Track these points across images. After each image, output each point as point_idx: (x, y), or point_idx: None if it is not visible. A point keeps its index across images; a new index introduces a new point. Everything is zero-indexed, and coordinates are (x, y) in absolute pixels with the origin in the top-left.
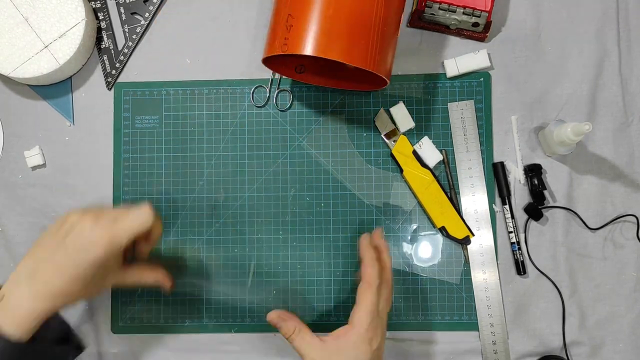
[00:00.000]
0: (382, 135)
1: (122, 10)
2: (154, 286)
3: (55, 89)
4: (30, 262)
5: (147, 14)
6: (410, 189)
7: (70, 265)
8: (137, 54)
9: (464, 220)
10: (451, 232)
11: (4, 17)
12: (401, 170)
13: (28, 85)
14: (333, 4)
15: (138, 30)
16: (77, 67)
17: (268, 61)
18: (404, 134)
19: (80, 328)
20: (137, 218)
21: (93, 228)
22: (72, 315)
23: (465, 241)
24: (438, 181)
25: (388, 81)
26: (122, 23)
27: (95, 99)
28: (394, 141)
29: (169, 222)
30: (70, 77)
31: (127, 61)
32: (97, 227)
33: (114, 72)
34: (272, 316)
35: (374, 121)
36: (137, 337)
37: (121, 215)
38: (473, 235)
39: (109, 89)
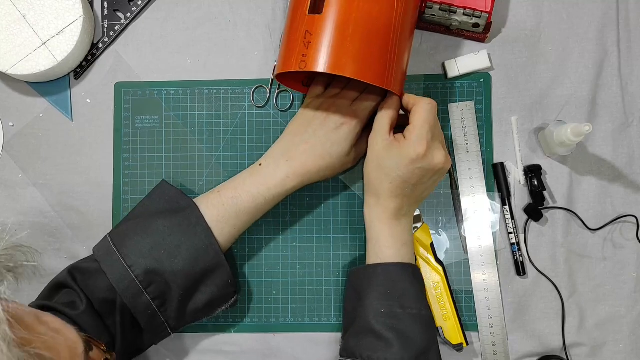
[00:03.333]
0: None
1: (105, 4)
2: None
3: (53, 86)
4: (284, 142)
5: (128, 14)
6: None
7: (319, 144)
8: (138, 54)
9: (462, 326)
10: (446, 336)
11: (2, 14)
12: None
13: (26, 82)
14: (352, 22)
15: (117, 28)
16: (75, 64)
17: (281, 76)
18: None
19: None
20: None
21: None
22: None
23: (458, 348)
24: (447, 281)
25: (401, 97)
26: (103, 18)
27: (95, 96)
28: (416, 227)
29: None
30: (69, 74)
31: (99, 56)
32: (337, 114)
33: (84, 63)
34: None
35: None
36: None
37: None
38: (467, 344)
39: (76, 79)
